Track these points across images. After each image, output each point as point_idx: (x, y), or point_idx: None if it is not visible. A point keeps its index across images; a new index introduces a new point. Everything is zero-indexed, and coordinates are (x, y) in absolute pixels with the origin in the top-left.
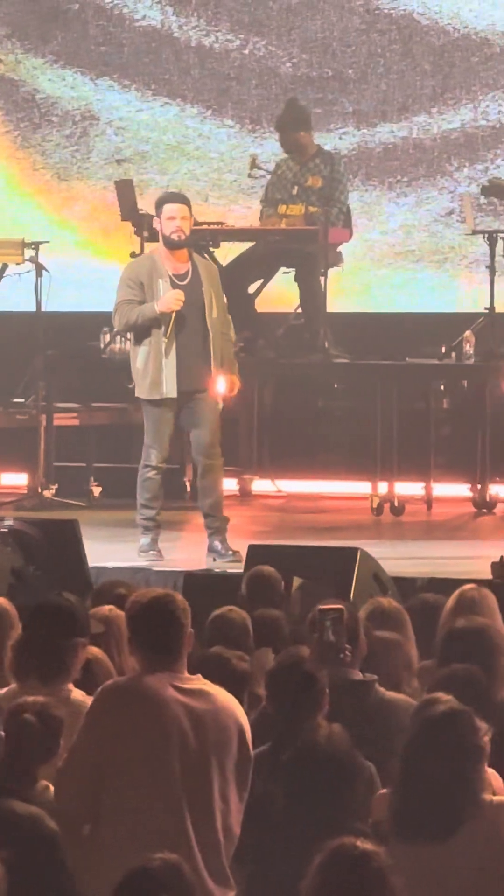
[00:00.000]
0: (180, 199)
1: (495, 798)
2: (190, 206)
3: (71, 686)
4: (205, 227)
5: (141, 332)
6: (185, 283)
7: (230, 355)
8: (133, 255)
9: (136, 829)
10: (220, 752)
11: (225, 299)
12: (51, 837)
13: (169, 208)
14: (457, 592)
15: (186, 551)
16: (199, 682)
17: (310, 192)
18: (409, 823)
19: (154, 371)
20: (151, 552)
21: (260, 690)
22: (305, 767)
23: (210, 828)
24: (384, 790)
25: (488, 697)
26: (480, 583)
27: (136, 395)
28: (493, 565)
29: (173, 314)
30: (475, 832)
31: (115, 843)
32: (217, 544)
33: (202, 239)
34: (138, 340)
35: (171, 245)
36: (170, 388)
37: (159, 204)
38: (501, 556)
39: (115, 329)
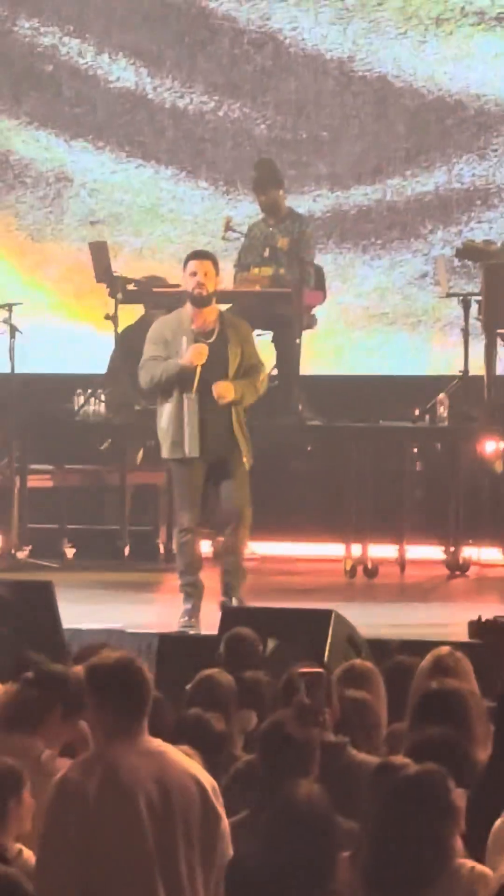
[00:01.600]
0: (202, 255)
1: (476, 867)
2: (215, 263)
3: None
4: (179, 289)
5: (165, 390)
6: (210, 340)
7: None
8: (107, 317)
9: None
10: (185, 814)
11: (257, 354)
12: None
13: (191, 265)
14: (431, 655)
15: (160, 613)
16: (157, 744)
17: (280, 253)
18: (379, 883)
19: (175, 430)
20: (190, 619)
21: (237, 752)
22: (284, 827)
23: (176, 883)
24: (346, 853)
25: (465, 760)
26: (455, 645)
27: (162, 455)
28: (470, 624)
29: (198, 370)
30: (451, 893)
31: None
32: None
33: (177, 302)
34: (163, 399)
35: (193, 301)
36: (192, 448)
37: (185, 262)
38: (479, 616)
39: (142, 386)
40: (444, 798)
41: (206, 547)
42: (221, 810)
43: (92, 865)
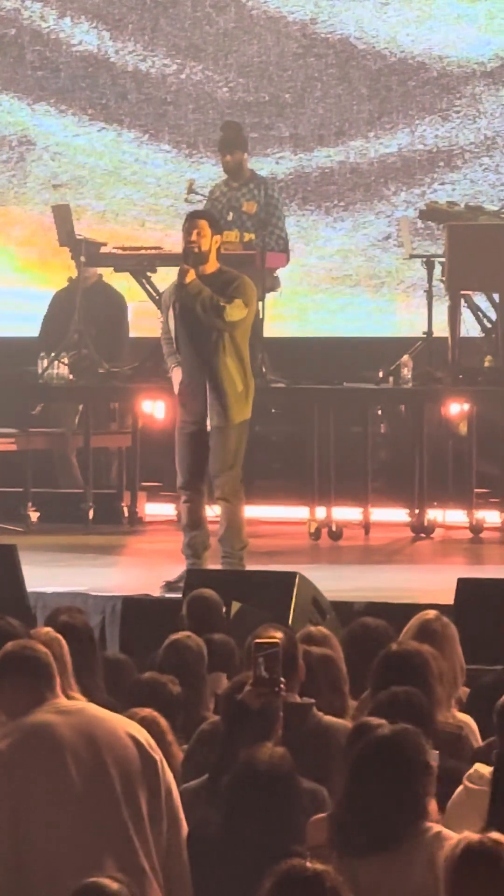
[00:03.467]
0: (196, 215)
1: (443, 831)
2: (211, 221)
3: None
4: (142, 251)
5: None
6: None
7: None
8: (70, 279)
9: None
10: (121, 765)
11: (234, 299)
12: None
13: (186, 225)
14: (417, 619)
15: (124, 576)
16: (76, 703)
17: (245, 217)
18: (353, 839)
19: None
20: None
21: (208, 715)
22: (244, 790)
23: (123, 839)
24: (319, 815)
25: (430, 720)
26: (429, 607)
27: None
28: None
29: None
30: (413, 854)
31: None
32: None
33: (139, 264)
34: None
35: (186, 259)
36: None
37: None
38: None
39: None
40: (419, 757)
41: (169, 509)
42: (162, 761)
43: (25, 831)
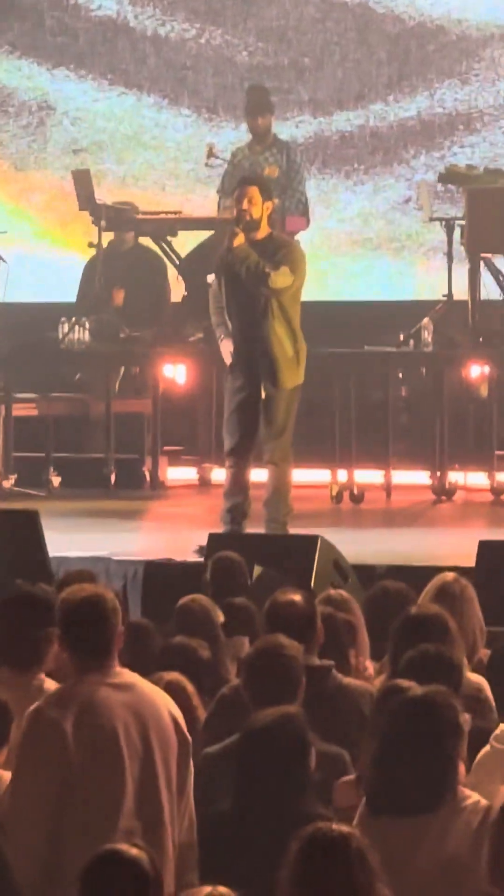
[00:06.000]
0: (246, 181)
1: (473, 795)
2: (260, 187)
3: (43, 676)
4: (162, 216)
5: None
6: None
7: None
8: (91, 245)
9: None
10: (161, 740)
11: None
12: None
13: (236, 192)
14: (436, 581)
15: (146, 541)
16: (128, 676)
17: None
18: (386, 798)
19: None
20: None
21: (230, 678)
22: (253, 749)
23: (158, 818)
24: (347, 777)
25: (459, 680)
26: (450, 570)
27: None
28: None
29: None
30: (449, 820)
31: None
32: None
33: (160, 228)
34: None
35: (237, 225)
36: None
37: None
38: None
39: None
40: (452, 718)
41: (191, 473)
42: (189, 739)
43: (68, 800)
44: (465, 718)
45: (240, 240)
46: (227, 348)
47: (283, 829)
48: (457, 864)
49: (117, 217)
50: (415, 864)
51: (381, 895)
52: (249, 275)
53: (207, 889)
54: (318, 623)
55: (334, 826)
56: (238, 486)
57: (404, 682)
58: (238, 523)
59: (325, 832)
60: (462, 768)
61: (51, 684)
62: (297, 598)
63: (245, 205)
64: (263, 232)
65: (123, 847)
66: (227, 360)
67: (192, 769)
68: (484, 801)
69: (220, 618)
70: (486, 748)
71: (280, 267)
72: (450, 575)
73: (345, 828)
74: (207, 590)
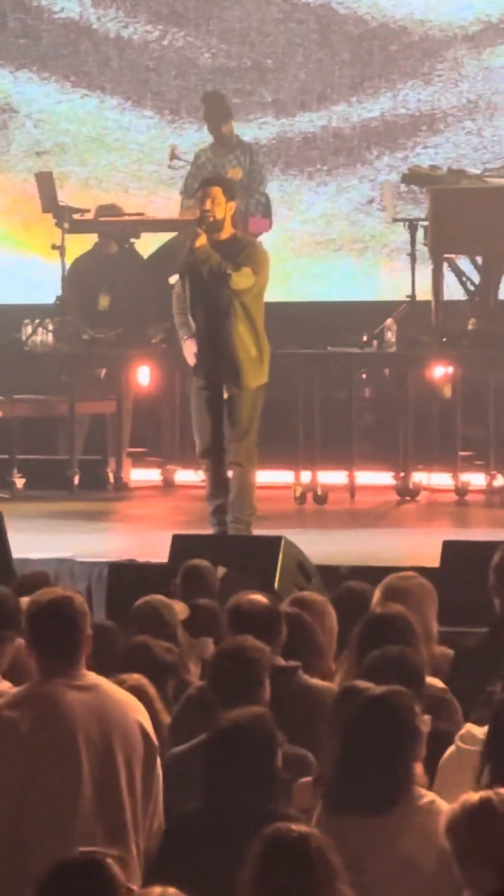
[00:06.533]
0: (209, 182)
1: (428, 795)
2: (223, 188)
3: None
4: (125, 217)
5: None
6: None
7: None
8: (54, 247)
9: (55, 835)
10: (124, 744)
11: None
12: None
13: (199, 194)
14: (387, 580)
15: (110, 542)
16: (93, 679)
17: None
18: (343, 799)
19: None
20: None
21: (193, 679)
22: (222, 750)
23: (119, 821)
24: (305, 779)
25: (421, 681)
26: (408, 570)
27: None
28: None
29: None
30: (404, 821)
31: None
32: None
33: (122, 231)
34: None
35: (200, 226)
36: None
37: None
38: None
39: None
40: (409, 720)
41: (154, 475)
42: (156, 744)
43: (26, 802)
44: (424, 720)
45: (202, 241)
46: (190, 349)
47: (250, 829)
48: (411, 864)
49: (80, 220)
50: (371, 864)
51: (342, 895)
52: (212, 276)
53: (158, 890)
54: (282, 624)
55: (294, 826)
56: (218, 485)
57: (363, 683)
58: (225, 525)
59: (284, 832)
60: (420, 769)
61: (5, 685)
62: (260, 598)
63: (208, 206)
64: (227, 232)
65: (83, 855)
66: (191, 360)
67: (159, 774)
68: (440, 802)
69: (183, 615)
70: (452, 748)
71: (242, 268)
72: (402, 574)
73: (304, 828)
74: (178, 594)
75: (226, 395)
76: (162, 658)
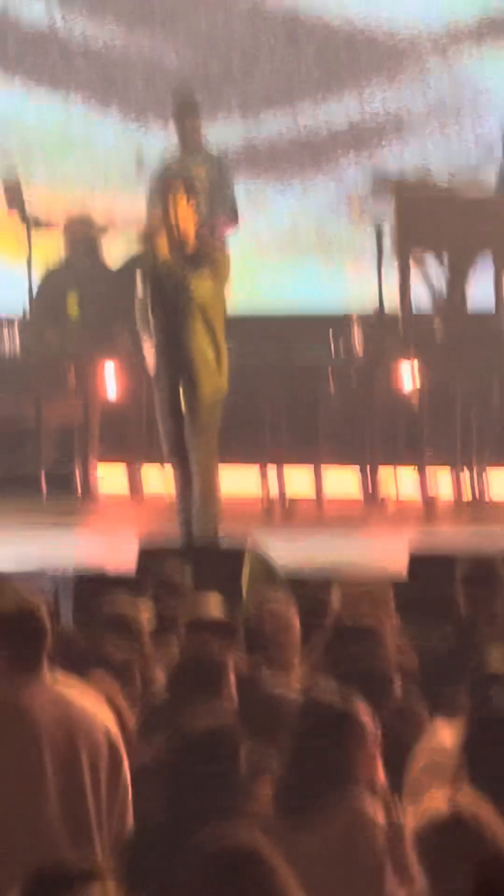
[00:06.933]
0: (168, 187)
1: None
2: (185, 191)
3: None
4: (91, 223)
5: None
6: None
7: None
8: (22, 254)
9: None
10: (89, 748)
11: None
12: None
13: (156, 197)
14: (349, 589)
15: (77, 549)
16: (62, 685)
17: (196, 184)
18: (292, 802)
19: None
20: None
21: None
22: (181, 752)
23: (85, 825)
24: (266, 779)
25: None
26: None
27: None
28: None
29: None
30: (344, 819)
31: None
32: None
33: (88, 235)
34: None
35: (158, 231)
36: None
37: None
38: None
39: None
40: (362, 727)
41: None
42: (122, 749)
43: None
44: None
45: (163, 247)
46: (149, 350)
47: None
48: (349, 864)
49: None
50: (316, 865)
51: None
52: (171, 282)
53: None
54: (241, 631)
55: (231, 832)
56: (185, 487)
57: (324, 687)
58: (192, 528)
59: (231, 839)
60: (380, 773)
61: None
62: (217, 608)
63: (170, 210)
64: (189, 237)
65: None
66: (151, 368)
67: (125, 776)
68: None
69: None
70: (418, 753)
71: (202, 275)
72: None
73: (242, 834)
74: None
75: (183, 402)
76: (126, 661)
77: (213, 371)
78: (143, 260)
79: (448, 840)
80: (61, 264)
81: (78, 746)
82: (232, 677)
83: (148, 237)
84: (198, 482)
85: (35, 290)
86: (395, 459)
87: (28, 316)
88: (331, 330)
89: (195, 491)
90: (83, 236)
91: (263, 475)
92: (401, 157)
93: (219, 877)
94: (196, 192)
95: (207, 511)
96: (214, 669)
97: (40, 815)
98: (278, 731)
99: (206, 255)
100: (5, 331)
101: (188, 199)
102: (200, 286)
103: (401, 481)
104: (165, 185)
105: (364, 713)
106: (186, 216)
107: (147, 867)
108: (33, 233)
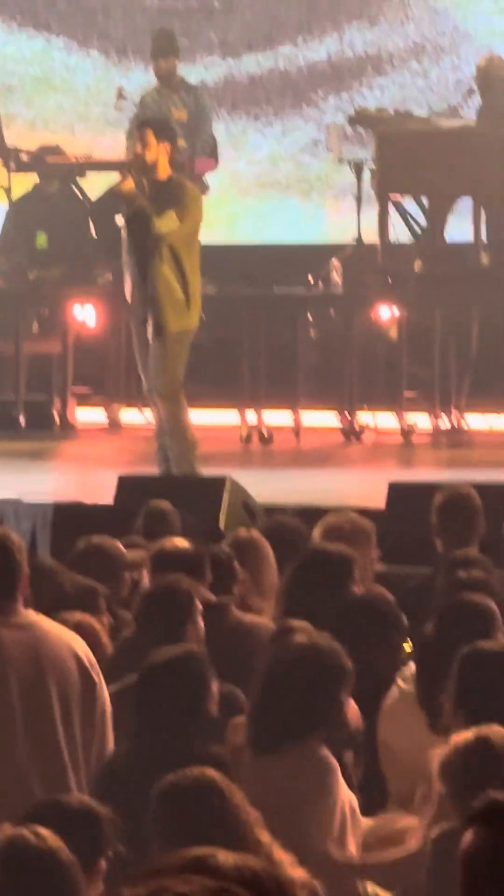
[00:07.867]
0: (141, 124)
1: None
2: (155, 130)
3: None
4: (71, 159)
5: None
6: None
7: None
8: (36, 186)
9: None
10: (59, 681)
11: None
12: None
13: (131, 136)
14: (325, 519)
15: (56, 482)
16: (30, 617)
17: (175, 124)
18: (264, 737)
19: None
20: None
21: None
22: (150, 687)
23: (54, 755)
24: (239, 718)
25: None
26: (360, 511)
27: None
28: None
29: None
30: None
31: None
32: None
33: (68, 171)
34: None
35: (130, 168)
36: None
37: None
38: None
39: None
40: (335, 662)
41: (100, 415)
42: (99, 677)
43: None
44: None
45: (129, 184)
46: (128, 288)
47: (179, 768)
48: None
49: (26, 160)
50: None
51: (251, 836)
52: (136, 218)
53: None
54: (207, 563)
55: (191, 771)
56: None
57: (297, 623)
58: (170, 463)
59: (181, 777)
60: (355, 709)
61: None
62: (182, 541)
63: (139, 148)
64: (163, 174)
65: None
66: (129, 299)
67: (103, 704)
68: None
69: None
70: (393, 691)
71: (166, 211)
72: (339, 514)
73: (207, 771)
74: (138, 536)
75: (149, 336)
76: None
77: (181, 307)
78: (118, 197)
79: (474, 767)
80: (33, 197)
81: (47, 679)
82: (198, 606)
83: (122, 174)
84: (165, 419)
85: (11, 223)
86: (374, 393)
87: (4, 249)
88: (310, 264)
89: (166, 429)
90: (58, 171)
91: (242, 407)
92: (381, 97)
93: (180, 803)
94: (172, 130)
95: (181, 447)
96: (181, 601)
97: (10, 750)
98: (249, 662)
99: (175, 194)
100: None
101: (162, 137)
102: (167, 224)
103: (379, 416)
104: (141, 123)
105: (338, 653)
106: (160, 154)
107: (112, 804)
108: (13, 168)
